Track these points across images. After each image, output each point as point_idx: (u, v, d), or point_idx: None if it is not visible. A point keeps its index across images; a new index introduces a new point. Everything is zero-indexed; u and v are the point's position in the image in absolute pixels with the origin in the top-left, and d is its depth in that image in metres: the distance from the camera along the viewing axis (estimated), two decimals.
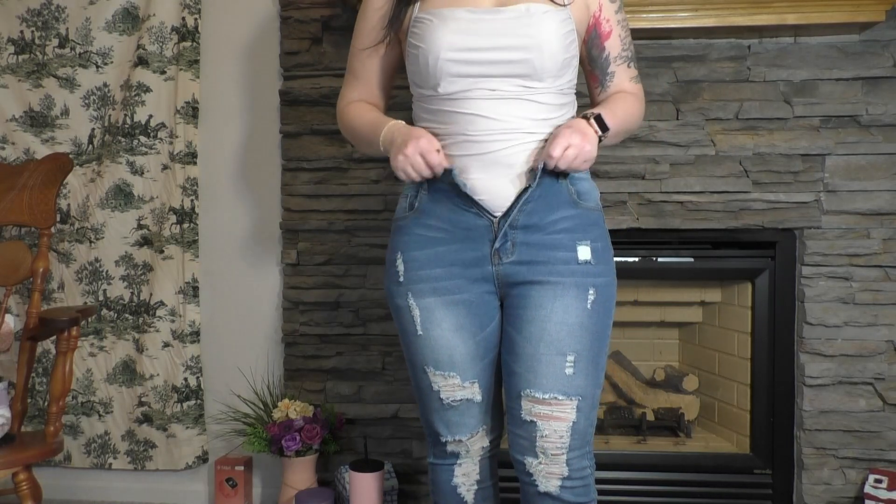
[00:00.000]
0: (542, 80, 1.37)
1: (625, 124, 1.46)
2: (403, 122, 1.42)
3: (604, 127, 1.38)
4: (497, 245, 1.38)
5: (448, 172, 1.36)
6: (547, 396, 1.35)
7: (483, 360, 1.45)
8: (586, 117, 1.38)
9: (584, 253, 1.38)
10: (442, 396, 1.45)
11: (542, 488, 1.38)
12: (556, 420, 1.35)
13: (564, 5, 1.40)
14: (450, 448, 1.50)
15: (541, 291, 1.37)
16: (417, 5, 1.43)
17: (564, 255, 1.37)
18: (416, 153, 1.33)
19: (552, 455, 1.36)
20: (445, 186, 1.38)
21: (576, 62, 1.45)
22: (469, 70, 1.36)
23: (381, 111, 1.54)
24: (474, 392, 1.45)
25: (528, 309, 1.37)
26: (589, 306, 1.37)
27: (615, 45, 1.48)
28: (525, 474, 1.40)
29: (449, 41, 1.35)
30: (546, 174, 1.37)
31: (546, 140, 1.38)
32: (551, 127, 1.40)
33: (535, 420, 1.36)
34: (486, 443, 1.51)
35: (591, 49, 1.49)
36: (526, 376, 1.36)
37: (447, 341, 1.42)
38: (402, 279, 1.44)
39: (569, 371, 1.35)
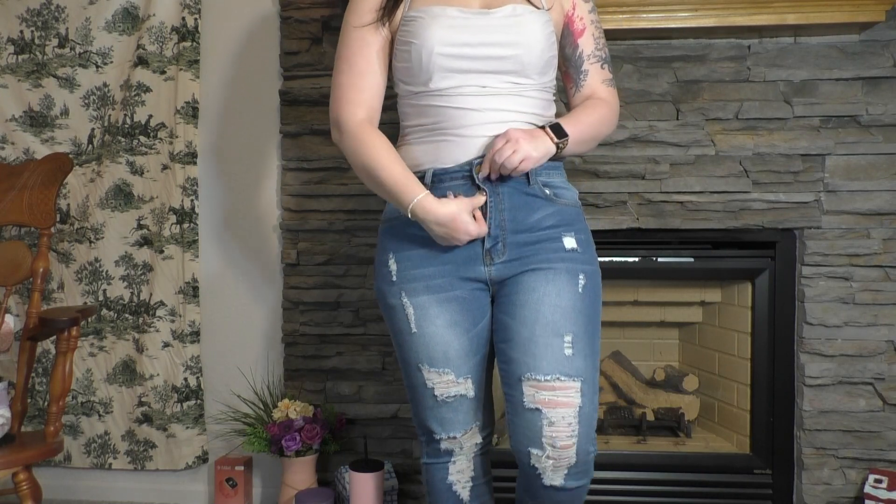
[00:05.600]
0: (528, 77, 1.42)
1: (591, 131, 1.47)
2: (430, 198, 1.38)
3: (560, 133, 1.41)
4: (488, 245, 1.41)
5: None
6: (549, 378, 1.33)
7: (476, 356, 1.46)
8: (542, 127, 1.42)
9: (570, 243, 1.42)
10: (436, 393, 1.46)
11: (547, 482, 1.36)
12: (563, 406, 1.32)
13: (545, 9, 1.47)
14: (443, 446, 1.51)
15: (532, 276, 1.39)
16: (408, 2, 1.46)
17: (552, 244, 1.41)
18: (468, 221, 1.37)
19: (561, 447, 1.33)
20: (454, 186, 1.42)
21: (556, 62, 1.50)
22: (461, 65, 1.39)
23: (378, 110, 1.48)
24: (468, 388, 1.46)
25: (520, 294, 1.39)
26: (580, 290, 1.39)
27: (588, 43, 1.52)
28: (529, 466, 1.36)
29: (441, 37, 1.39)
30: (510, 177, 1.41)
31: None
32: (539, 120, 1.45)
33: (539, 408, 1.33)
34: (479, 439, 1.53)
35: (565, 47, 1.54)
36: (524, 360, 1.35)
37: (442, 338, 1.43)
38: (394, 278, 1.46)
39: (568, 352, 1.34)
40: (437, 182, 1.42)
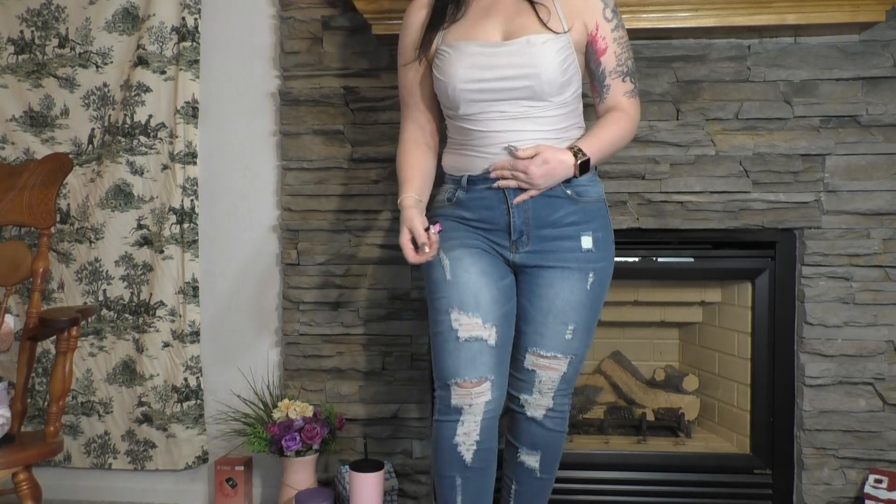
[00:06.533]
0: (544, 100, 1.62)
1: (612, 147, 1.70)
2: (410, 202, 1.67)
3: (584, 168, 1.63)
4: (514, 237, 1.66)
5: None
6: (549, 354, 1.68)
7: (503, 308, 1.66)
8: (576, 155, 1.62)
9: (587, 242, 1.66)
10: (459, 335, 1.62)
11: (529, 415, 1.73)
12: (553, 370, 1.69)
13: (564, 32, 1.63)
14: (454, 401, 1.62)
15: (551, 273, 1.66)
16: (441, 35, 1.70)
17: (570, 244, 1.66)
18: (406, 243, 1.64)
19: (544, 392, 1.71)
20: (484, 189, 1.66)
21: (577, 78, 1.67)
22: (481, 96, 1.62)
23: (433, 134, 1.82)
24: (490, 335, 1.63)
25: (540, 286, 1.67)
26: (588, 287, 1.67)
27: (610, 60, 1.69)
28: (518, 406, 1.74)
29: (462, 75, 1.62)
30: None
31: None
32: (557, 133, 1.65)
33: (535, 369, 1.69)
34: (489, 397, 1.63)
35: (590, 63, 1.72)
36: (534, 337, 1.68)
37: (474, 284, 1.63)
38: None
39: (568, 337, 1.67)
40: (472, 185, 1.69)
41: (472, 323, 1.61)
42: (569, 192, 1.65)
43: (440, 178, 1.81)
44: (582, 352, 1.71)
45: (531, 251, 1.66)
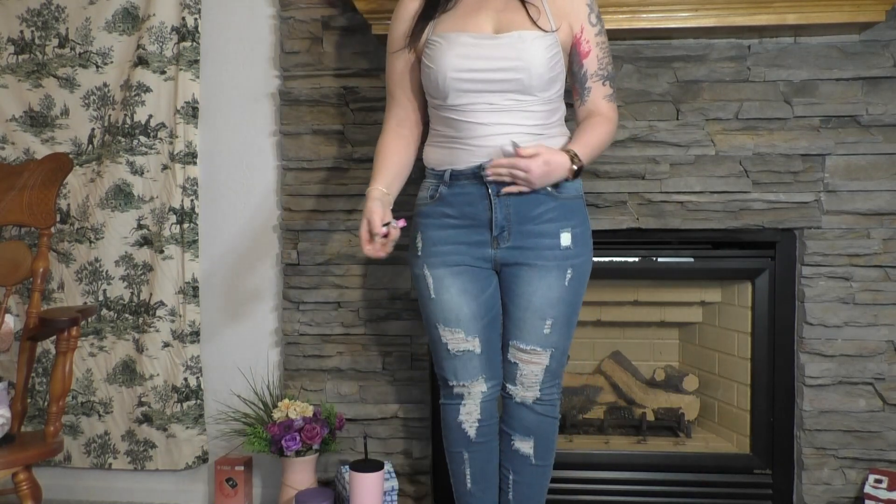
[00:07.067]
0: (531, 94, 1.67)
1: (596, 152, 1.74)
2: (376, 194, 1.71)
3: (578, 174, 1.68)
4: (496, 233, 1.71)
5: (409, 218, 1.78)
6: (528, 347, 1.75)
7: (483, 320, 1.76)
8: (572, 159, 1.64)
9: (565, 240, 1.72)
10: (449, 348, 1.78)
11: (518, 400, 1.79)
12: (534, 364, 1.76)
13: (553, 31, 1.68)
14: (455, 391, 1.81)
15: (530, 272, 1.72)
16: (432, 26, 1.73)
17: (549, 241, 1.71)
18: (363, 234, 1.68)
19: (528, 385, 1.77)
20: (466, 184, 1.70)
21: (562, 76, 1.73)
22: (471, 87, 1.66)
23: (416, 124, 1.85)
24: (475, 345, 1.76)
25: (519, 285, 1.74)
26: (566, 283, 1.73)
27: (592, 63, 1.75)
28: (506, 394, 1.82)
29: (454, 64, 1.66)
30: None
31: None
32: (541, 129, 1.69)
33: (517, 362, 1.77)
34: (485, 388, 1.80)
35: (573, 65, 1.76)
36: (513, 331, 1.76)
37: (455, 303, 1.74)
38: (420, 253, 1.78)
39: (546, 331, 1.73)
40: (454, 180, 1.71)
41: (457, 338, 1.76)
42: (549, 188, 1.69)
43: (421, 173, 1.82)
44: (562, 345, 1.77)
45: (512, 247, 1.71)
